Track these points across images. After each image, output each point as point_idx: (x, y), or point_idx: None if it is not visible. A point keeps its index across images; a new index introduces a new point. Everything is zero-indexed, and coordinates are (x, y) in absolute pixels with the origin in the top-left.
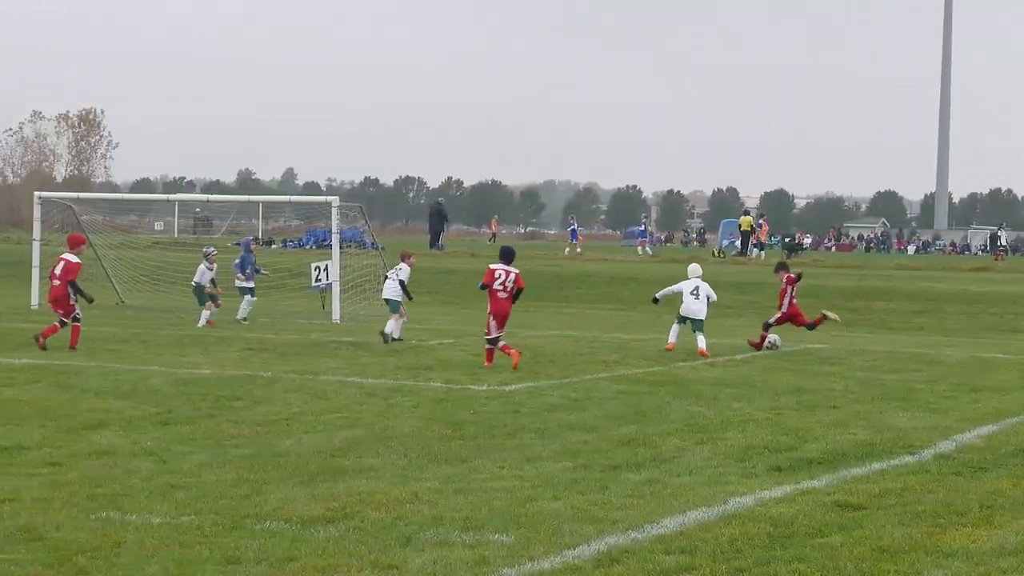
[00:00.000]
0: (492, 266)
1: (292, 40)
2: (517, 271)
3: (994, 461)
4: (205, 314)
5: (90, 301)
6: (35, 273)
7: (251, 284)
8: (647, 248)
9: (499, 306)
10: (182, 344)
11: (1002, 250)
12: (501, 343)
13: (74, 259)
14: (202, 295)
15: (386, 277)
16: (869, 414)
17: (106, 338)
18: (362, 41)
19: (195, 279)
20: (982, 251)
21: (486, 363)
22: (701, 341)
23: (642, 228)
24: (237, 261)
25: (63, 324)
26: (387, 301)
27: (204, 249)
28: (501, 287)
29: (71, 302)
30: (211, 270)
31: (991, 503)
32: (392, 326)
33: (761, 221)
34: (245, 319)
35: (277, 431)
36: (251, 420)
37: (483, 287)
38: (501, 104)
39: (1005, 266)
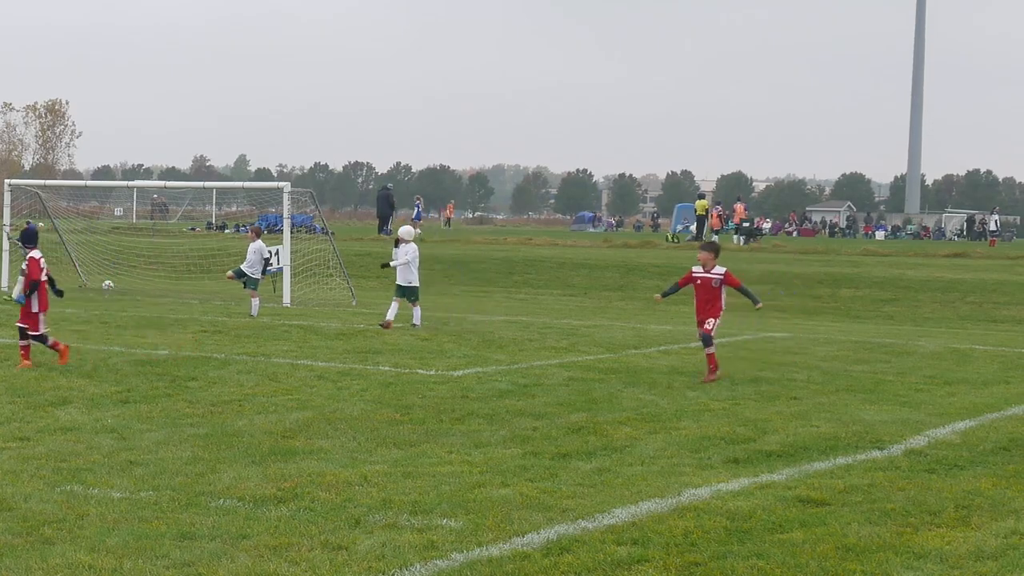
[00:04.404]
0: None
1: (243, 31)
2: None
3: (971, 459)
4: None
5: None
6: (5, 257)
7: None
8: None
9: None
10: (140, 326)
11: (995, 235)
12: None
13: None
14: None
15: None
16: (833, 406)
17: (69, 319)
18: (310, 27)
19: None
20: (958, 236)
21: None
22: None
23: (415, 212)
24: None
25: None
26: None
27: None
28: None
29: None
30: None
31: (968, 503)
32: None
33: (736, 205)
34: None
35: (230, 411)
36: (206, 400)
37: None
38: (448, 89)
39: (984, 252)
